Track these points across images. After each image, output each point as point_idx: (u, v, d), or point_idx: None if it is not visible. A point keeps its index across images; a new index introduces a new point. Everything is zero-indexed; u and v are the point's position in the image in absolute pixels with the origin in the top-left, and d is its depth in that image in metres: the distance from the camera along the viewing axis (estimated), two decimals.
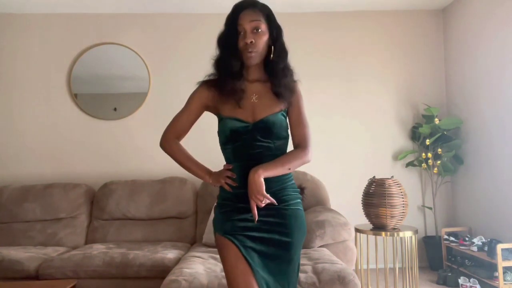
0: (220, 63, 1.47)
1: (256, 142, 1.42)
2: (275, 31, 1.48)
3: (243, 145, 1.43)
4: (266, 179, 1.37)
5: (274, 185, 1.43)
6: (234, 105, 1.45)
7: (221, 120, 1.48)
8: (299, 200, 1.50)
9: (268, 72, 1.50)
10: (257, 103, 1.46)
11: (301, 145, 1.48)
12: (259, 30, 1.42)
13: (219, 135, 1.49)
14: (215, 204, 1.52)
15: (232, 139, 1.44)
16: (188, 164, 1.52)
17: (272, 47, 1.47)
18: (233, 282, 1.35)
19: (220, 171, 1.48)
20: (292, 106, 1.51)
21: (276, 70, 1.47)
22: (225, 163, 1.52)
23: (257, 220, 1.38)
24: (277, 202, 1.40)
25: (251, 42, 1.41)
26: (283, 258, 1.41)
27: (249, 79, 1.50)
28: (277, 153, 1.45)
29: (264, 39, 1.44)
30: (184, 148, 1.55)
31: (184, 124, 1.53)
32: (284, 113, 1.50)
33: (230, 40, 1.44)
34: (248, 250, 1.38)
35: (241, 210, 1.42)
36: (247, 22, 1.42)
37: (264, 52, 1.46)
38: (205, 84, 1.51)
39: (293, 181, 1.51)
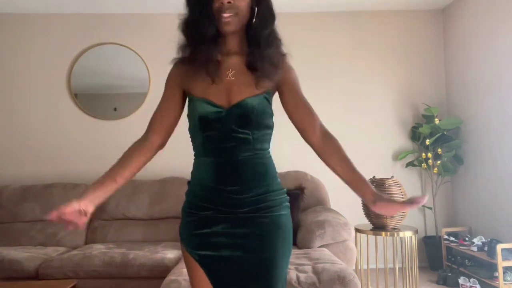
0: (189, 26, 1.17)
1: (231, 133, 1.13)
2: None
3: (214, 136, 1.15)
4: (244, 186, 1.13)
5: (253, 191, 1.14)
6: (207, 81, 1.15)
7: (190, 102, 1.18)
8: (285, 204, 1.20)
9: (249, 40, 1.19)
10: (234, 81, 1.16)
11: (319, 129, 1.23)
12: None
13: (188, 120, 1.21)
14: (183, 206, 1.23)
15: (201, 128, 1.15)
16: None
17: (256, 9, 1.16)
18: None
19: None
20: (285, 84, 1.22)
21: (258, 38, 1.16)
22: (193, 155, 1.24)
23: (230, 233, 1.12)
24: (256, 211, 1.14)
25: (229, 2, 1.11)
26: (265, 278, 1.12)
27: (225, 51, 1.19)
28: (256, 147, 1.15)
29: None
30: (125, 161, 1.20)
31: (162, 116, 1.22)
32: (268, 96, 1.18)
33: None
34: (217, 274, 1.13)
35: (210, 221, 1.14)
36: None
37: (247, 17, 1.16)
38: (178, 61, 1.24)
39: (278, 182, 1.21)
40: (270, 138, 1.21)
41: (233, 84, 1.16)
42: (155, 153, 1.24)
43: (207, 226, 1.15)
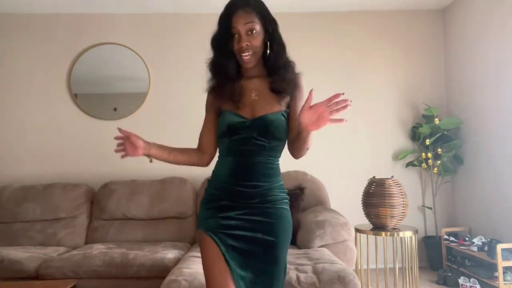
0: (215, 66, 1.45)
1: (252, 139, 1.39)
2: (270, 27, 1.42)
3: (238, 140, 1.41)
4: (254, 182, 1.39)
5: (262, 186, 1.41)
6: (234, 103, 1.44)
7: (221, 114, 1.46)
8: (286, 201, 1.47)
9: (268, 68, 1.46)
10: (257, 100, 1.43)
11: None
12: (254, 32, 1.37)
13: (217, 128, 1.48)
14: (202, 199, 1.49)
15: (229, 133, 1.42)
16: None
17: (269, 43, 1.42)
18: (210, 282, 1.34)
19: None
20: (294, 101, 1.46)
21: (276, 67, 1.44)
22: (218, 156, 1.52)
23: (241, 218, 1.38)
24: (262, 202, 1.40)
25: (246, 45, 1.37)
26: (267, 258, 1.38)
27: (247, 76, 1.47)
28: (270, 154, 1.42)
29: (259, 39, 1.40)
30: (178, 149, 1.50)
31: (207, 136, 1.51)
32: (285, 114, 1.44)
33: (224, 42, 1.40)
34: (228, 249, 1.36)
35: (225, 208, 1.40)
36: (241, 25, 1.37)
37: (261, 50, 1.42)
38: (211, 90, 1.51)
39: (281, 183, 1.48)
40: (282, 148, 1.47)
41: (256, 102, 1.43)
42: (202, 165, 1.53)
43: (223, 212, 1.39)
